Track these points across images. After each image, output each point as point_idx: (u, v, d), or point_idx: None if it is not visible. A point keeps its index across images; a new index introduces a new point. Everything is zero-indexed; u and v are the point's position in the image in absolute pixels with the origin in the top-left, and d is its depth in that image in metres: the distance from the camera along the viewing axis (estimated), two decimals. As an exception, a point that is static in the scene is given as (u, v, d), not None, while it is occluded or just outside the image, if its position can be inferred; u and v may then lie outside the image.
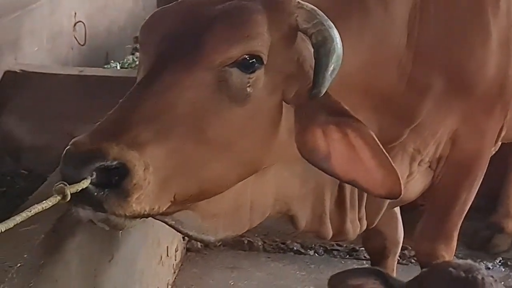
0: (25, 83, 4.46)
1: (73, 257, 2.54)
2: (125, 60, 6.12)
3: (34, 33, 4.85)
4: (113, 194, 1.93)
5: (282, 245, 4.32)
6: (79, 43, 5.35)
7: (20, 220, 1.68)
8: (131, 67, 5.79)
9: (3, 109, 4.46)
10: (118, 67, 5.65)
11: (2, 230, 1.63)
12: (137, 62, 6.02)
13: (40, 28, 4.92)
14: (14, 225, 1.66)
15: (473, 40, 2.77)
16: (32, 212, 1.72)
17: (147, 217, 2.06)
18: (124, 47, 6.45)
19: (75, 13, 5.32)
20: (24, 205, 2.58)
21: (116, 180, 1.93)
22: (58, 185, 1.84)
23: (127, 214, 1.96)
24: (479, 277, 2.06)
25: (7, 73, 4.49)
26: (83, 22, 5.37)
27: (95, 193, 1.91)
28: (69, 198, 1.83)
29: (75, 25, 5.31)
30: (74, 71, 4.60)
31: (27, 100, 4.45)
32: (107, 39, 5.96)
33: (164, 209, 2.05)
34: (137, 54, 6.28)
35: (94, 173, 1.90)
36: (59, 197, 1.82)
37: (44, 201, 1.77)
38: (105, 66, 5.70)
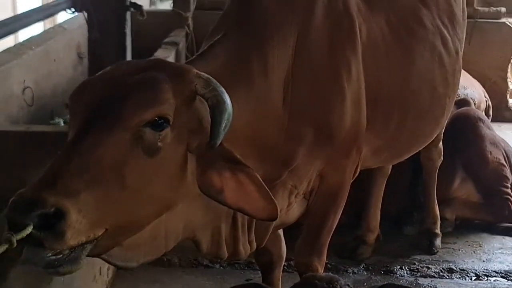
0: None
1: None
2: (68, 116, 5.96)
3: (-11, 97, 4.68)
4: (51, 234, 1.90)
5: (195, 261, 4.26)
6: (27, 104, 5.18)
7: None
8: (72, 122, 5.64)
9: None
10: (62, 123, 5.50)
11: None
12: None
13: (-6, 93, 4.76)
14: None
15: (333, 101, 2.84)
16: None
17: (85, 244, 2.00)
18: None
19: (24, 80, 5.20)
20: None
21: (53, 222, 1.90)
22: (5, 234, 1.79)
23: (65, 248, 1.93)
24: (338, 286, 2.10)
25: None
26: (30, 88, 5.23)
27: (37, 235, 1.88)
28: (15, 245, 1.78)
29: (24, 90, 5.16)
30: (23, 127, 4.44)
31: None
32: (52, 100, 5.81)
33: (99, 234, 2.01)
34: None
35: (36, 219, 1.87)
36: (6, 245, 1.77)
37: None
38: (51, 122, 5.55)
